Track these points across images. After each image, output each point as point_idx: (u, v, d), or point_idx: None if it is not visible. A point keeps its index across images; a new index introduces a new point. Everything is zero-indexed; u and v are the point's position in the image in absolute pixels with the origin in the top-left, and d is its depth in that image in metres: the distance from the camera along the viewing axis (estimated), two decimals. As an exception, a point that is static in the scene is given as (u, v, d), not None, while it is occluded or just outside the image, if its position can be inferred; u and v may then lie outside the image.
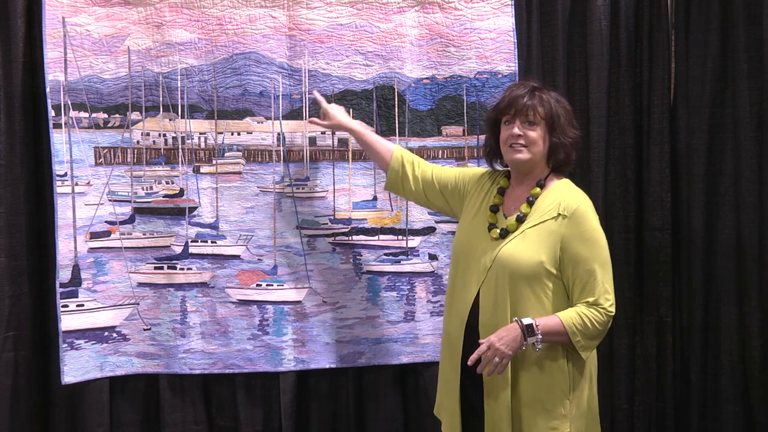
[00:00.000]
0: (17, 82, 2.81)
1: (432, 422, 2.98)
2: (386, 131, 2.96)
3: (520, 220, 2.31)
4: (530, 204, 2.32)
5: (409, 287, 2.98)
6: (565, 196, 2.30)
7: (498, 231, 2.33)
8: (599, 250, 2.26)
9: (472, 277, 2.34)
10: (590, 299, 2.23)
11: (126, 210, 2.91)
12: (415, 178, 2.63)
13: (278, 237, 2.94)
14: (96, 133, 2.87)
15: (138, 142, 2.90)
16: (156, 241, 2.92)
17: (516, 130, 2.30)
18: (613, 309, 2.25)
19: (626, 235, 3.07)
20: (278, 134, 2.94)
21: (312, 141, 2.96)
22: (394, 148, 2.69)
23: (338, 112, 2.79)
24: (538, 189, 2.34)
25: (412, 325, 2.98)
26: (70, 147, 2.83)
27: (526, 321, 2.19)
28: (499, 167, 2.48)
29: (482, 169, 2.57)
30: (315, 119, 2.82)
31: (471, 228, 2.42)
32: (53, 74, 2.79)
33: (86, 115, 2.85)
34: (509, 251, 2.27)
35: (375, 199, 2.99)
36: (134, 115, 2.89)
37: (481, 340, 2.23)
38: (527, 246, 2.26)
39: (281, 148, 2.94)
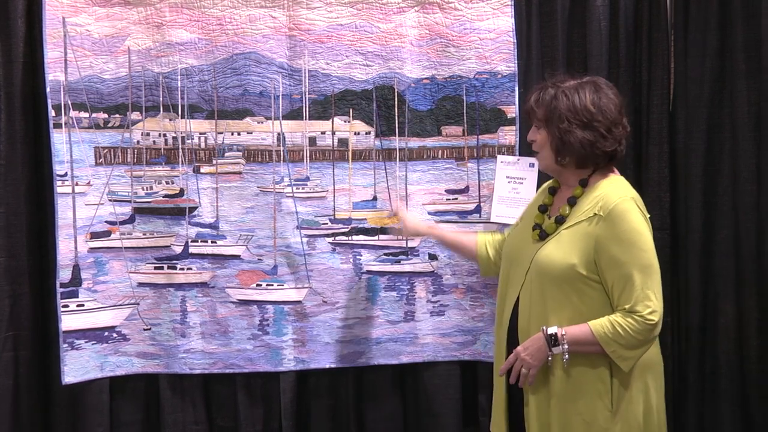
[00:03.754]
0: (17, 82, 2.80)
1: (432, 422, 3.00)
2: (386, 131, 2.97)
3: (559, 221, 2.19)
4: (571, 204, 2.19)
5: (408, 287, 2.99)
6: (605, 196, 2.13)
7: (538, 233, 2.22)
8: (638, 253, 2.07)
9: (515, 281, 2.24)
10: (627, 306, 2.06)
11: (126, 210, 2.91)
12: (496, 254, 2.53)
13: (278, 237, 2.94)
14: (96, 133, 2.87)
15: (138, 142, 2.91)
16: (156, 241, 2.92)
17: (528, 136, 2.24)
18: (654, 317, 2.05)
19: (625, 235, 3.08)
20: (278, 134, 2.94)
21: (312, 141, 2.97)
22: (477, 237, 2.59)
23: (413, 221, 2.73)
24: (579, 189, 2.19)
25: (411, 325, 2.98)
26: (70, 147, 2.83)
27: (551, 330, 2.08)
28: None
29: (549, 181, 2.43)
30: (393, 227, 2.82)
31: (519, 231, 2.34)
32: (53, 74, 2.79)
33: (86, 115, 2.85)
34: (544, 253, 2.16)
35: (375, 199, 3.00)
36: (134, 115, 2.89)
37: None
38: (560, 248, 2.13)
39: (281, 148, 2.94)
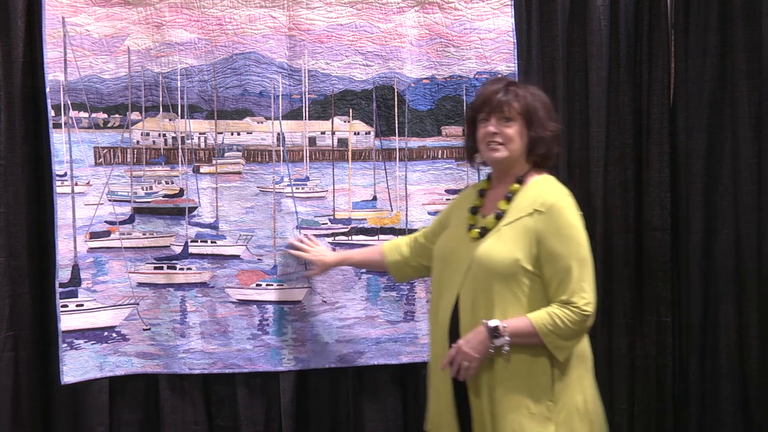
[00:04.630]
0: (17, 81, 2.80)
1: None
2: (386, 131, 2.97)
3: (499, 216, 2.26)
4: (508, 200, 2.28)
5: (408, 287, 2.98)
6: (542, 192, 2.24)
7: (477, 230, 2.28)
8: (576, 247, 2.18)
9: (453, 281, 2.29)
10: (563, 297, 2.15)
11: (126, 210, 2.91)
12: (412, 254, 2.62)
13: (278, 237, 2.94)
14: (96, 133, 2.87)
15: (138, 142, 2.90)
16: (156, 241, 2.92)
17: (491, 128, 2.26)
18: (589, 308, 2.16)
19: (626, 235, 3.08)
20: (278, 134, 2.94)
21: (312, 141, 2.97)
22: (382, 248, 2.69)
23: (320, 258, 2.78)
24: (516, 185, 2.29)
25: (411, 325, 2.98)
26: (69, 147, 2.83)
27: (492, 323, 2.15)
28: (481, 166, 2.45)
29: (468, 187, 2.52)
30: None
31: (451, 234, 2.39)
32: (53, 74, 2.79)
33: (86, 115, 2.85)
34: (485, 249, 2.22)
35: (375, 199, 2.99)
36: (134, 115, 2.89)
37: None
38: (503, 243, 2.21)
39: (281, 148, 2.94)
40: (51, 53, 2.78)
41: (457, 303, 2.26)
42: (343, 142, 2.98)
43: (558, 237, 2.17)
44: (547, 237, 2.17)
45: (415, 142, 2.97)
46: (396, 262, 2.65)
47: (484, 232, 2.27)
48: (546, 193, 2.24)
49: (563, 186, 2.32)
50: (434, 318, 2.38)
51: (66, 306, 2.82)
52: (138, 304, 2.91)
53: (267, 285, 2.94)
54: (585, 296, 2.16)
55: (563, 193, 2.28)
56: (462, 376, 2.20)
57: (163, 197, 2.92)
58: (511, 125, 2.25)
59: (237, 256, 2.93)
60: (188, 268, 2.92)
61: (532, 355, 2.19)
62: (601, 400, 2.38)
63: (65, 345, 2.82)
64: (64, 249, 2.82)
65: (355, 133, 2.98)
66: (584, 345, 2.31)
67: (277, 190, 2.94)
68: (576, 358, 2.25)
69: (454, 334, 2.27)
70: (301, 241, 2.87)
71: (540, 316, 2.15)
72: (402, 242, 2.68)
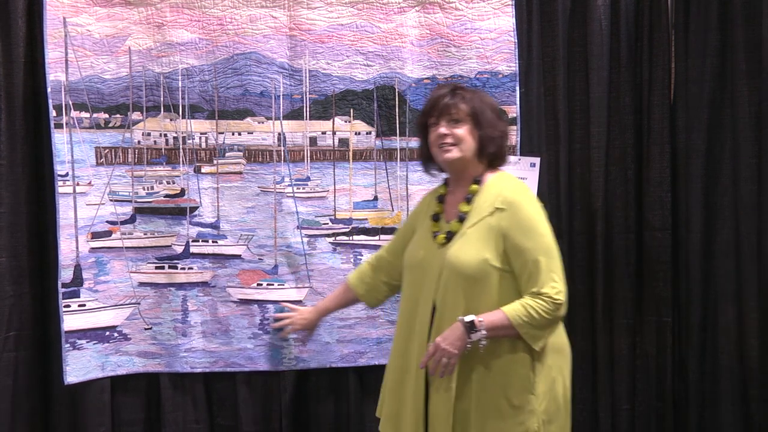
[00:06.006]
0: (18, 82, 2.81)
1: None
2: (387, 131, 2.97)
3: (462, 219, 2.29)
4: (469, 202, 2.30)
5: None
6: (501, 189, 2.27)
7: (444, 236, 2.30)
8: (540, 239, 2.21)
9: (426, 289, 2.29)
10: (535, 289, 2.17)
11: (127, 210, 2.91)
12: (380, 274, 2.59)
13: (279, 237, 2.94)
14: (97, 133, 2.87)
15: (139, 142, 2.91)
16: (157, 241, 2.92)
17: (442, 130, 2.28)
18: (560, 297, 2.18)
19: (626, 235, 3.08)
20: (279, 134, 2.94)
21: (313, 141, 2.97)
22: (347, 280, 2.67)
23: (302, 320, 2.76)
24: (475, 186, 2.31)
25: (412, 325, 2.98)
26: (71, 147, 2.83)
27: (468, 318, 2.16)
28: (435, 172, 2.45)
29: (426, 195, 2.53)
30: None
31: (418, 243, 2.39)
32: (54, 74, 2.79)
33: (87, 115, 2.85)
34: (454, 254, 2.24)
35: (376, 199, 3.00)
36: (135, 115, 2.89)
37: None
38: (470, 245, 2.23)
39: (282, 148, 2.94)
40: (52, 53, 2.78)
41: (433, 310, 2.27)
42: (344, 142, 2.98)
43: (521, 231, 2.20)
44: (511, 233, 2.21)
45: (416, 142, 2.97)
46: (364, 290, 2.63)
47: (450, 236, 2.29)
48: (505, 189, 2.27)
49: (519, 180, 2.36)
50: (407, 327, 2.36)
51: (68, 306, 2.82)
52: (139, 303, 2.91)
53: (268, 284, 2.95)
54: (555, 285, 2.18)
55: (521, 188, 2.32)
56: (441, 373, 2.20)
57: (164, 197, 2.92)
58: (461, 126, 2.28)
59: (238, 256, 2.94)
60: (189, 268, 2.92)
61: (511, 349, 2.22)
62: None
63: (68, 345, 2.82)
64: (66, 249, 2.82)
65: (356, 133, 2.98)
66: (562, 337, 2.35)
67: (278, 190, 2.94)
68: (554, 350, 2.28)
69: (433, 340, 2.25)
70: (281, 316, 2.85)
71: (514, 308, 2.17)
72: (365, 268, 2.65)
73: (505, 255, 2.21)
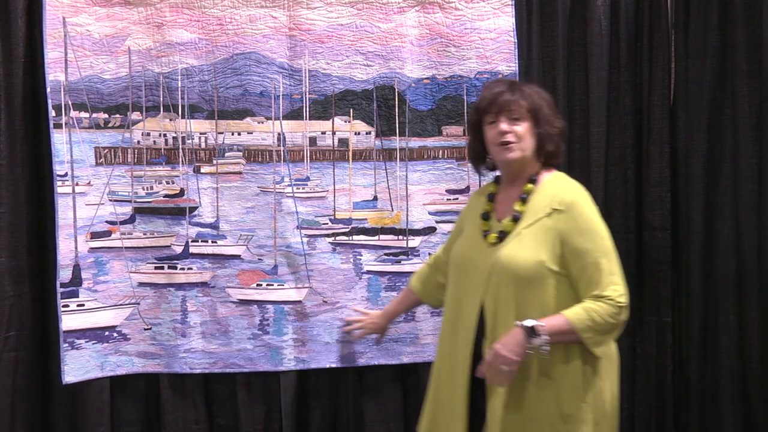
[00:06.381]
0: (18, 82, 2.81)
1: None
2: (386, 131, 2.97)
3: (516, 219, 2.21)
4: (524, 201, 2.22)
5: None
6: (558, 191, 2.20)
7: (495, 235, 2.22)
8: (600, 241, 2.14)
9: (474, 289, 2.22)
10: (596, 292, 2.10)
11: (126, 210, 2.91)
12: (437, 273, 2.55)
13: (278, 237, 2.94)
14: (96, 133, 2.87)
15: (138, 142, 2.91)
16: (156, 241, 2.92)
17: (504, 127, 2.20)
18: (623, 299, 2.12)
19: (626, 235, 3.07)
20: (278, 134, 2.94)
21: (312, 141, 2.97)
22: (410, 283, 2.67)
23: (373, 325, 2.78)
24: (530, 185, 2.23)
25: (412, 325, 2.98)
26: (70, 147, 2.83)
27: (529, 323, 2.07)
28: (485, 171, 2.39)
29: (475, 193, 2.48)
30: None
31: (466, 241, 2.33)
32: (54, 74, 2.79)
33: (87, 115, 2.85)
34: (508, 254, 2.16)
35: (375, 199, 3.00)
36: (135, 115, 2.89)
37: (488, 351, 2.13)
38: (525, 246, 2.15)
39: (282, 148, 2.94)
40: (52, 53, 2.78)
41: (482, 310, 2.20)
42: (343, 142, 2.98)
43: (581, 234, 2.14)
44: (571, 235, 2.14)
45: (415, 142, 2.98)
46: (424, 291, 2.61)
47: (502, 236, 2.21)
48: (562, 190, 2.21)
49: (575, 181, 2.29)
50: (452, 327, 2.30)
51: (67, 306, 2.82)
52: (139, 303, 2.91)
53: (267, 285, 2.94)
54: (617, 288, 2.12)
55: (579, 189, 2.25)
56: (500, 382, 2.12)
57: (163, 197, 2.92)
58: (521, 123, 2.20)
59: (237, 256, 2.94)
60: (189, 268, 2.92)
61: (564, 355, 2.14)
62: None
63: (66, 345, 2.82)
64: (65, 249, 2.82)
65: (355, 133, 2.98)
66: (612, 347, 2.26)
67: (277, 190, 2.94)
68: (605, 358, 2.21)
69: (479, 342, 2.21)
70: (353, 319, 2.86)
71: (576, 313, 2.09)
72: (424, 269, 2.64)
73: (562, 258, 2.14)
